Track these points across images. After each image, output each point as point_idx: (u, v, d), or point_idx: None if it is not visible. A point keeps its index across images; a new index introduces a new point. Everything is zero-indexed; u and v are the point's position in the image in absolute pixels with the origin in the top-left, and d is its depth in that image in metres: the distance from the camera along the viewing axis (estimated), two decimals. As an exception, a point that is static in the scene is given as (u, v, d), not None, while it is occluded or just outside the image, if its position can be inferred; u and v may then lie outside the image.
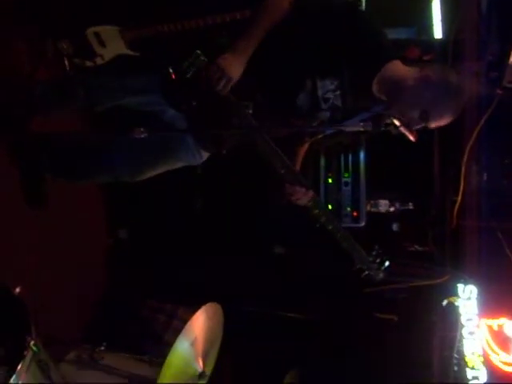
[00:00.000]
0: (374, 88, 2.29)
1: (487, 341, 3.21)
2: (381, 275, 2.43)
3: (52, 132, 2.72)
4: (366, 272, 2.42)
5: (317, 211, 2.34)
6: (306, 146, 2.56)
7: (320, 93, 2.32)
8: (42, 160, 2.72)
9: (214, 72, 2.17)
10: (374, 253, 2.40)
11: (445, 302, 3.39)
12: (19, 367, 1.98)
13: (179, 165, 2.54)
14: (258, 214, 3.55)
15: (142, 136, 1.98)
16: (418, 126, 2.21)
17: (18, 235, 3.02)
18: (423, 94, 2.18)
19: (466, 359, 3.20)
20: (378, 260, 2.40)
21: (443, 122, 2.25)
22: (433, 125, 2.24)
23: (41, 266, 3.08)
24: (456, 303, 3.35)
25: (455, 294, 3.35)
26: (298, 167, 2.48)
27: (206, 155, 2.52)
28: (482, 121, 3.24)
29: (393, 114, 2.16)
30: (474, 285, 3.30)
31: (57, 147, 2.65)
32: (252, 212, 3.56)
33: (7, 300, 2.21)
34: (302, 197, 2.27)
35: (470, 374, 3.17)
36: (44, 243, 3.17)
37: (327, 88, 2.31)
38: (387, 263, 2.41)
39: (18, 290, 2.24)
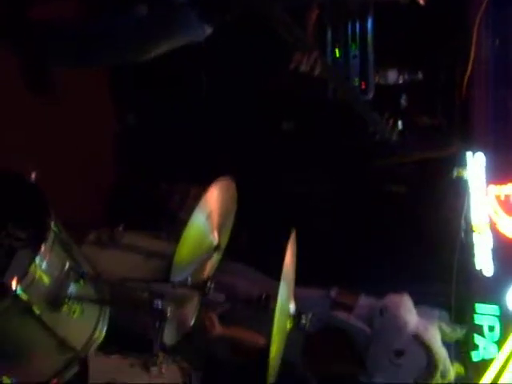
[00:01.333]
0: None
1: (494, 208, 3.27)
2: (394, 136, 2.43)
3: (51, 18, 2.65)
4: (380, 135, 2.42)
5: (328, 75, 2.30)
6: (315, 13, 2.48)
7: None
8: (43, 47, 2.66)
9: None
10: (386, 115, 2.39)
11: (453, 175, 3.43)
12: (42, 248, 2.05)
13: (183, 41, 2.48)
14: (266, 88, 3.50)
15: (144, 13, 1.92)
16: None
17: (26, 125, 3.03)
18: None
19: (473, 226, 3.28)
20: (391, 121, 2.40)
21: None
22: None
23: (52, 155, 3.11)
24: (464, 175, 3.38)
25: (464, 165, 3.37)
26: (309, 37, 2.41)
27: (208, 30, 2.45)
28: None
29: None
30: (483, 153, 3.31)
31: (57, 33, 2.58)
32: (260, 86, 3.51)
33: (23, 187, 2.26)
34: (308, 61, 2.21)
35: (476, 240, 3.27)
36: (53, 132, 3.19)
37: None
38: (400, 124, 2.41)
39: (33, 175, 2.28)
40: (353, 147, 3.47)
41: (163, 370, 2.06)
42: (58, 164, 3.10)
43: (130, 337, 2.39)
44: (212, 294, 1.96)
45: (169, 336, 2.40)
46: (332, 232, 3.50)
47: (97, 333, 2.31)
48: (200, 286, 1.96)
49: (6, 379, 2.12)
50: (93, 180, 3.41)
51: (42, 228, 2.11)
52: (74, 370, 2.22)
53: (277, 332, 1.87)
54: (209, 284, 1.95)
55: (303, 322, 2.00)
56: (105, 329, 2.34)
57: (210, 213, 2.23)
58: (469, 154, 3.35)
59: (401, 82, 3.35)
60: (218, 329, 2.68)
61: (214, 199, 2.24)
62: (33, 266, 2.02)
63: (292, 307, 1.99)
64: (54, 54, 2.67)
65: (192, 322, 2.61)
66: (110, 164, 3.67)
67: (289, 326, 1.99)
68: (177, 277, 2.20)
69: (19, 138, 2.97)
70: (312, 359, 2.95)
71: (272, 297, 1.92)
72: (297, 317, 2.00)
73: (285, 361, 2.59)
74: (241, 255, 3.28)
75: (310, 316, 2.04)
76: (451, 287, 3.19)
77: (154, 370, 2.06)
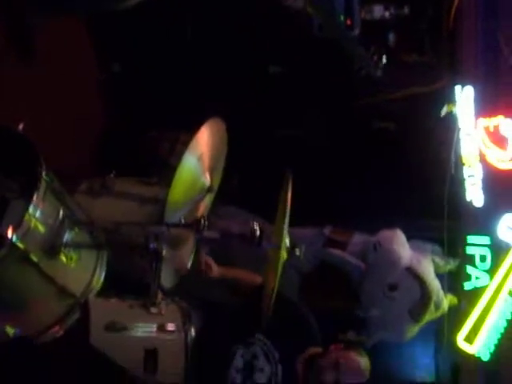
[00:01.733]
0: None
1: (483, 140, 3.27)
2: (379, 72, 2.42)
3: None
4: (366, 70, 2.41)
5: (314, 10, 2.27)
6: None
7: None
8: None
9: None
10: (371, 49, 2.37)
11: (443, 110, 3.42)
12: (35, 197, 2.06)
13: None
14: (252, 32, 3.44)
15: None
16: None
17: (11, 78, 2.99)
18: None
19: (463, 159, 3.29)
20: (375, 57, 2.38)
21: None
22: None
23: (38, 107, 3.08)
24: (453, 109, 3.37)
25: (453, 99, 3.36)
26: None
27: None
28: None
29: None
30: (472, 86, 3.29)
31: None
32: (245, 30, 3.45)
33: (12, 138, 2.26)
34: None
35: (466, 172, 3.28)
36: (38, 84, 3.15)
37: None
38: (385, 59, 2.40)
39: (20, 126, 2.27)
40: (341, 85, 3.44)
41: (163, 311, 2.10)
42: (45, 116, 3.08)
43: (128, 282, 2.43)
44: (206, 232, 1.98)
45: (167, 279, 2.43)
46: (322, 171, 3.50)
47: (95, 279, 2.35)
48: (194, 224, 1.98)
49: (9, 329, 2.17)
50: (81, 130, 3.38)
51: (34, 178, 2.12)
52: (75, 316, 2.26)
53: (278, 264, 1.90)
54: (202, 222, 1.96)
55: (297, 253, 2.03)
56: (103, 275, 2.38)
57: (201, 154, 2.22)
58: (458, 87, 3.33)
59: (387, 16, 3.30)
60: (217, 271, 2.72)
61: (205, 141, 2.23)
62: (27, 215, 2.03)
63: (287, 240, 2.02)
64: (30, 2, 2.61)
65: (189, 264, 2.65)
66: (98, 113, 3.63)
67: (284, 257, 2.03)
68: (170, 219, 2.22)
69: (4, 92, 2.94)
70: (309, 296, 3.01)
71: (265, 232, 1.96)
72: (291, 249, 2.03)
73: (282, 299, 2.66)
74: (232, 198, 3.30)
75: (303, 248, 2.07)
76: (443, 221, 3.23)
77: (153, 310, 2.10)
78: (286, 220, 1.95)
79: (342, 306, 3.06)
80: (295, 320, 2.71)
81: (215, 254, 2.82)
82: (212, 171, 2.32)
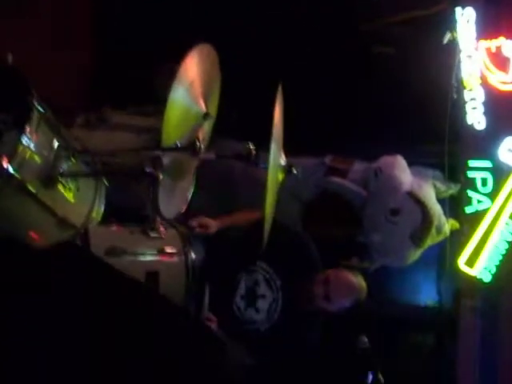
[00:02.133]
0: None
1: (485, 62, 3.21)
2: None
3: None
4: None
5: None
6: None
7: None
8: None
9: None
10: None
11: (445, 38, 3.34)
12: (28, 128, 2.03)
13: None
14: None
15: None
16: None
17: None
18: None
19: (464, 82, 3.23)
20: None
21: None
22: None
23: (31, 43, 3.02)
24: (455, 33, 3.29)
25: (453, 23, 3.27)
26: None
27: None
28: None
29: None
30: (472, 7, 3.21)
31: None
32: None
33: (2, 71, 2.22)
34: None
35: (467, 95, 3.23)
36: (31, 19, 3.09)
37: None
38: None
39: (9, 58, 2.22)
40: (341, 9, 3.36)
41: (162, 235, 2.11)
42: (39, 51, 3.03)
43: (127, 212, 2.43)
44: (203, 154, 1.97)
45: (167, 210, 2.43)
46: (322, 99, 3.45)
47: (95, 210, 2.35)
48: (190, 147, 1.96)
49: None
50: (76, 64, 3.34)
51: (27, 109, 2.09)
52: (76, 244, 2.26)
53: (271, 181, 1.89)
54: (198, 144, 1.94)
55: (294, 172, 2.02)
56: (103, 206, 2.38)
57: (191, 82, 2.15)
58: (458, 9, 3.24)
59: None
60: (215, 226, 2.72)
61: (193, 67, 2.15)
62: (21, 146, 2.01)
63: (283, 161, 2.01)
64: None
65: (188, 198, 2.63)
66: (94, 47, 3.56)
67: (280, 177, 2.01)
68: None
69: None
70: (311, 225, 3.02)
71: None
72: (288, 168, 2.01)
73: (284, 228, 2.67)
74: (232, 132, 3.26)
75: (299, 169, 2.06)
76: (444, 145, 3.20)
77: (153, 234, 2.11)
78: (274, 130, 1.91)
79: (344, 233, 3.07)
80: (296, 248, 2.73)
81: (217, 192, 2.83)
82: (206, 98, 2.26)
